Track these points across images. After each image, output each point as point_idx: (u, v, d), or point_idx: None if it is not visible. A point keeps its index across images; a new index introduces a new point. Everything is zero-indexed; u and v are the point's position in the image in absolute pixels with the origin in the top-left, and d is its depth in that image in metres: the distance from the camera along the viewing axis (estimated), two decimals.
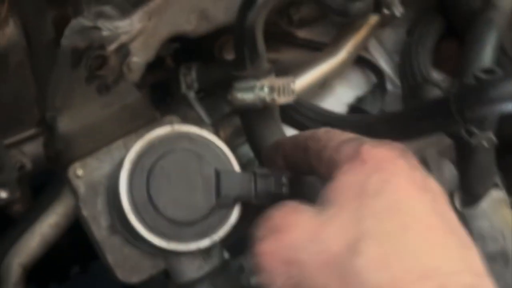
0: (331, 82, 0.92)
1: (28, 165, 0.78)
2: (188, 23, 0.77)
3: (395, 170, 0.48)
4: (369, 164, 0.48)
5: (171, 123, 0.72)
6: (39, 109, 0.81)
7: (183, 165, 0.63)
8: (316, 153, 0.53)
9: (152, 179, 0.62)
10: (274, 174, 0.62)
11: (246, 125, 0.75)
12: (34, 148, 0.81)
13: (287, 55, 0.96)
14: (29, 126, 0.82)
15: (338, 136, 0.53)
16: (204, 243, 0.63)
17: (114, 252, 0.69)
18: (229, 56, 0.88)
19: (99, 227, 0.70)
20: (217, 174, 0.63)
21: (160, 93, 0.90)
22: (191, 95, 0.86)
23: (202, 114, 0.86)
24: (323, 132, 0.55)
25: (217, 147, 0.66)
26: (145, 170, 0.62)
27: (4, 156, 0.75)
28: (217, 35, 0.84)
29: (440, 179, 0.65)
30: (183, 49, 0.86)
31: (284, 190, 0.62)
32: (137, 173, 0.62)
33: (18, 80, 0.78)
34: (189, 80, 0.84)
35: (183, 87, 0.84)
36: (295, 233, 0.47)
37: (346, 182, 0.48)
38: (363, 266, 0.43)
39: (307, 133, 0.57)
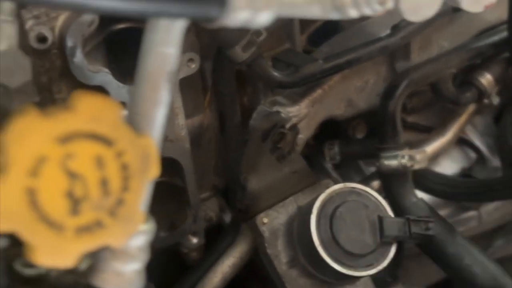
0: (437, 157, 1.14)
1: (214, 218, 1.01)
2: (339, 109, 1.00)
3: None
4: None
5: (327, 185, 0.94)
6: (214, 177, 1.05)
7: (354, 212, 0.84)
8: None
9: (333, 222, 0.83)
10: (423, 220, 0.83)
11: (387, 186, 0.96)
12: (212, 206, 1.04)
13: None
14: (206, 189, 1.05)
15: None
16: (372, 271, 0.83)
17: (292, 282, 0.89)
18: (360, 135, 1.10)
19: (280, 263, 0.90)
20: (380, 219, 0.84)
21: None
22: (330, 166, 1.08)
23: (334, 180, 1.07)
24: None
25: (376, 199, 0.87)
26: (327, 215, 0.83)
27: (198, 208, 0.98)
28: (352, 118, 1.08)
29: None
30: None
31: (431, 232, 0.83)
32: (322, 217, 0.83)
33: (206, 153, 1.01)
34: (332, 154, 1.06)
35: (327, 159, 1.07)
36: None
37: None
38: None
39: None
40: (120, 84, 0.82)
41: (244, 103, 1.03)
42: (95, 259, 0.55)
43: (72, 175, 0.47)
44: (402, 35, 0.92)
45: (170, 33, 0.51)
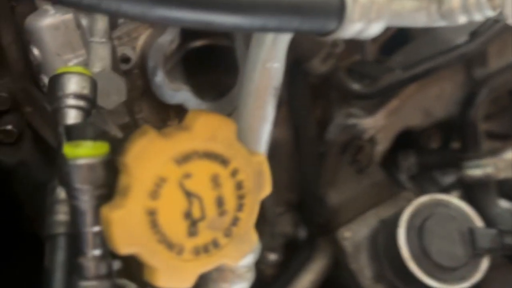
0: None
1: (291, 234, 0.99)
2: (415, 119, 0.98)
3: None
4: None
5: (408, 197, 0.92)
6: (288, 192, 1.03)
7: (443, 224, 0.82)
8: None
9: (423, 235, 0.80)
10: None
11: (470, 196, 0.93)
12: (287, 222, 1.02)
13: None
14: (280, 205, 1.03)
15: None
16: (465, 284, 0.80)
17: None
18: (434, 144, 1.08)
19: (364, 278, 0.88)
20: (471, 231, 0.81)
21: None
22: (404, 177, 1.06)
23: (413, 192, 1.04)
24: None
25: (464, 210, 0.84)
26: (416, 228, 0.81)
27: (275, 224, 0.96)
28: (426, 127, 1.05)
29: None
30: None
31: None
32: (411, 231, 0.81)
33: (280, 168, 1.00)
34: (408, 165, 1.04)
35: (403, 170, 1.04)
36: None
37: None
38: None
39: None
40: (199, 101, 0.81)
41: (317, 116, 1.01)
42: (203, 280, 0.54)
43: (190, 195, 0.46)
44: (482, 41, 0.90)
45: (276, 48, 0.51)
